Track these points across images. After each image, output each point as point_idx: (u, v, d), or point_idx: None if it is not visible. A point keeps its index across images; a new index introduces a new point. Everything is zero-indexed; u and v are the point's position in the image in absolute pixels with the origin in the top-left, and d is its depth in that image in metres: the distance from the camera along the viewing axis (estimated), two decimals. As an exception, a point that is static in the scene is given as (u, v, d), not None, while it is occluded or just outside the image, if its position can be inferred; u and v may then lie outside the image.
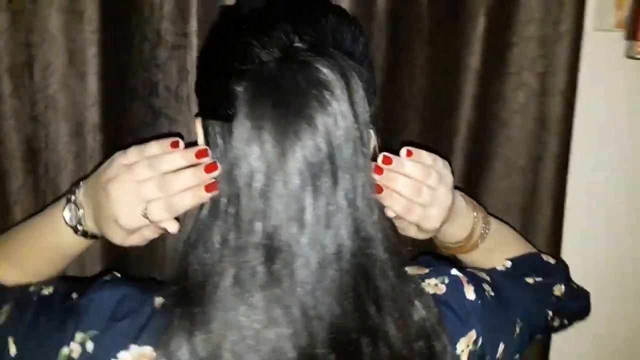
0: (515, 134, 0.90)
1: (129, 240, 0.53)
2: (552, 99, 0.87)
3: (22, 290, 0.54)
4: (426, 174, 0.53)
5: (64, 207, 0.56)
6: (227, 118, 0.45)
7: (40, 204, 0.76)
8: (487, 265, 0.69)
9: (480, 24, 0.85)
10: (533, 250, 0.75)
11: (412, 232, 0.60)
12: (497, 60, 0.87)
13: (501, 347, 0.58)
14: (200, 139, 0.51)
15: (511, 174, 0.93)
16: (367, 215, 0.47)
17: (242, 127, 0.44)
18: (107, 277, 0.54)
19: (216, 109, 0.47)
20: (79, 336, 0.47)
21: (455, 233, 0.65)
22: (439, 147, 0.88)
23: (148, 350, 0.47)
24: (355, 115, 0.45)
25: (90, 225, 0.56)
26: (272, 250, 0.44)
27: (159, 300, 0.49)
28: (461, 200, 0.64)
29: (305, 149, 0.43)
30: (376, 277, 0.47)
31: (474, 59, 0.86)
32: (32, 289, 0.54)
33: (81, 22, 0.74)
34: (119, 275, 0.56)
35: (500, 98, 0.89)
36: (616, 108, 1.01)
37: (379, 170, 0.51)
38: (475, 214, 0.65)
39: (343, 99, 0.44)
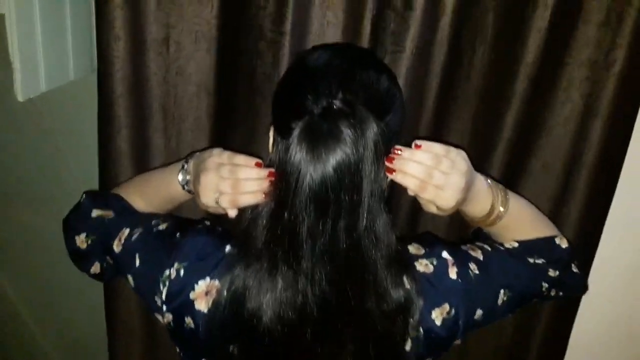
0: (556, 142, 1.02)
1: (206, 209, 0.77)
2: (594, 119, 0.97)
3: (148, 220, 0.81)
4: (437, 161, 0.68)
5: (180, 171, 0.82)
6: (284, 138, 0.66)
7: (167, 142, 1.05)
8: (502, 239, 0.84)
9: (538, 39, 0.94)
10: (550, 233, 0.86)
11: (433, 209, 0.75)
12: (551, 74, 0.97)
13: (479, 312, 0.76)
14: (271, 140, 0.73)
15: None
16: (358, 222, 0.65)
17: (294, 150, 0.63)
18: (200, 225, 0.79)
19: (280, 130, 0.67)
20: (176, 264, 0.73)
21: (475, 211, 0.79)
22: (485, 140, 1.04)
23: (216, 282, 0.71)
24: (360, 158, 0.63)
25: (191, 187, 0.81)
26: (290, 236, 0.66)
27: (228, 249, 0.74)
28: (482, 182, 0.77)
29: (316, 183, 0.63)
30: (363, 267, 0.67)
31: (530, 69, 0.97)
32: (154, 222, 0.80)
33: (206, 10, 0.96)
34: (208, 223, 0.81)
35: (548, 108, 1.00)
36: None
37: (389, 159, 0.67)
38: (494, 196, 0.79)
39: (353, 148, 0.62)
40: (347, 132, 0.62)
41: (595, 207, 1.06)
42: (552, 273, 0.83)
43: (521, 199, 0.86)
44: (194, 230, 0.77)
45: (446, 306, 0.73)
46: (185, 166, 0.82)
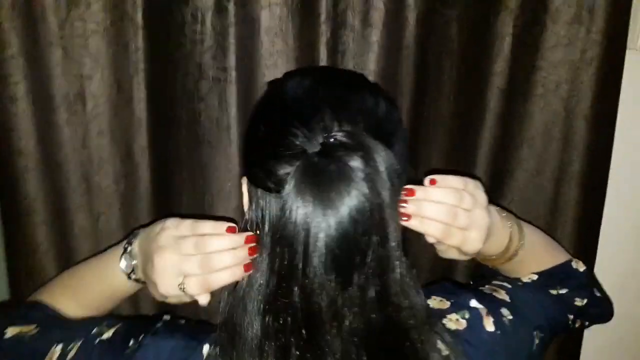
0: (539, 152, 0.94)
1: (166, 300, 0.58)
2: (577, 123, 0.90)
3: (86, 328, 0.60)
4: (459, 198, 0.55)
5: (121, 256, 0.63)
6: (272, 191, 0.50)
7: (94, 223, 0.84)
8: (517, 274, 0.72)
9: (506, 46, 0.87)
10: (564, 258, 0.76)
11: (454, 255, 0.61)
12: (523, 81, 0.90)
13: None
14: (245, 196, 0.57)
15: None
16: (389, 284, 0.51)
17: (294, 205, 0.48)
18: (159, 324, 0.59)
19: (264, 182, 0.51)
20: None
21: (491, 249, 0.66)
22: (463, 159, 0.94)
23: None
24: (382, 200, 0.49)
25: (140, 275, 0.62)
26: (307, 318, 0.49)
27: (206, 349, 0.55)
28: (496, 216, 0.65)
29: (335, 242, 0.48)
30: (401, 342, 0.52)
31: (499, 79, 0.89)
32: (95, 330, 0.59)
33: (128, 53, 0.79)
34: (168, 318, 0.61)
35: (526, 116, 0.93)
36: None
37: (401, 202, 0.54)
38: (510, 228, 0.67)
39: (371, 187, 0.48)
40: (357, 168, 0.47)
41: (589, 214, 0.99)
42: (578, 302, 0.73)
43: (531, 226, 0.75)
44: (153, 334, 0.57)
45: None
46: (129, 248, 0.63)
